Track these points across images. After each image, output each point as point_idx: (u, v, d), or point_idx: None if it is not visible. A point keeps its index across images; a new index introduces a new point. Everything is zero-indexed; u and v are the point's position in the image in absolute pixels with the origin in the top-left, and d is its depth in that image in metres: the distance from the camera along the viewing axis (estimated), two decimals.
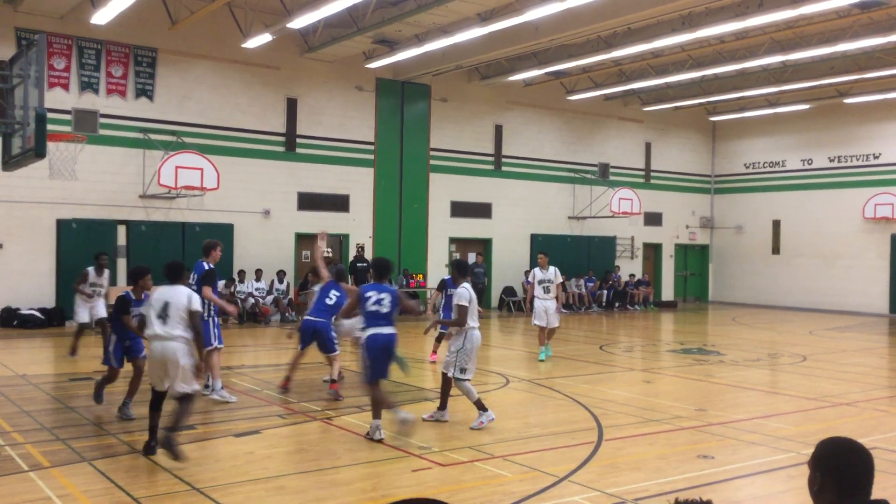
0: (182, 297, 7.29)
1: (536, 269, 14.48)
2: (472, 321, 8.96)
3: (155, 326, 7.23)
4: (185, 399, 7.23)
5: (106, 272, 13.67)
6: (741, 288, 31.45)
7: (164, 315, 7.24)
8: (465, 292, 8.92)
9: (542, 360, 14.03)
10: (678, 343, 18.21)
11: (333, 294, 10.76)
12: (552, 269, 14.38)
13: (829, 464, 2.66)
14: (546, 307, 14.22)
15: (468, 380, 8.90)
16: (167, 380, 7.26)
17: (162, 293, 7.37)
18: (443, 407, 9.09)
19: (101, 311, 13.32)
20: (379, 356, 8.15)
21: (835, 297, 28.37)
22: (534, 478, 6.81)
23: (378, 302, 8.17)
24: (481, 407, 8.78)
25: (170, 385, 7.26)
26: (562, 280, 14.75)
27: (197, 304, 7.38)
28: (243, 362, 13.94)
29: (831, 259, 28.77)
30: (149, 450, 7.30)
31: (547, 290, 14.28)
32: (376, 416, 8.14)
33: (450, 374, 8.93)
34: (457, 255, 25.76)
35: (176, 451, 6.93)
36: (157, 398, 7.44)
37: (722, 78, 26.48)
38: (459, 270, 9.65)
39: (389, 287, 8.43)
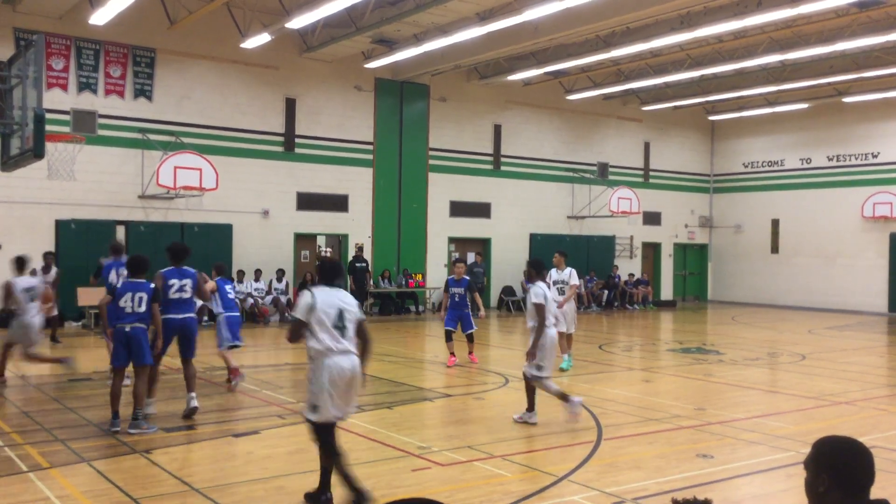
0: (353, 302, 6.12)
1: (552, 270, 13.11)
2: (549, 319, 9.03)
3: (331, 339, 5.84)
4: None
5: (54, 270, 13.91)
6: (740, 287, 31.46)
7: (341, 325, 5.91)
8: (540, 291, 9.02)
9: (563, 370, 12.81)
10: (677, 342, 18.21)
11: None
12: (569, 269, 13.25)
13: (834, 463, 2.61)
14: (564, 311, 12.81)
15: (546, 377, 8.91)
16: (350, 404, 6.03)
17: (329, 297, 5.96)
18: (531, 408, 9.05)
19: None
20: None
21: (834, 296, 28.39)
22: (533, 477, 6.81)
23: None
24: (564, 398, 8.88)
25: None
26: (578, 282, 13.66)
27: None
28: (242, 362, 13.92)
29: (830, 258, 28.78)
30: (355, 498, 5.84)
31: (562, 293, 13.00)
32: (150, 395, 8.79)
33: (528, 375, 8.97)
34: (456, 255, 25.77)
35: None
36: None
37: (721, 77, 26.50)
38: (536, 269, 9.31)
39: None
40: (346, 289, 10.73)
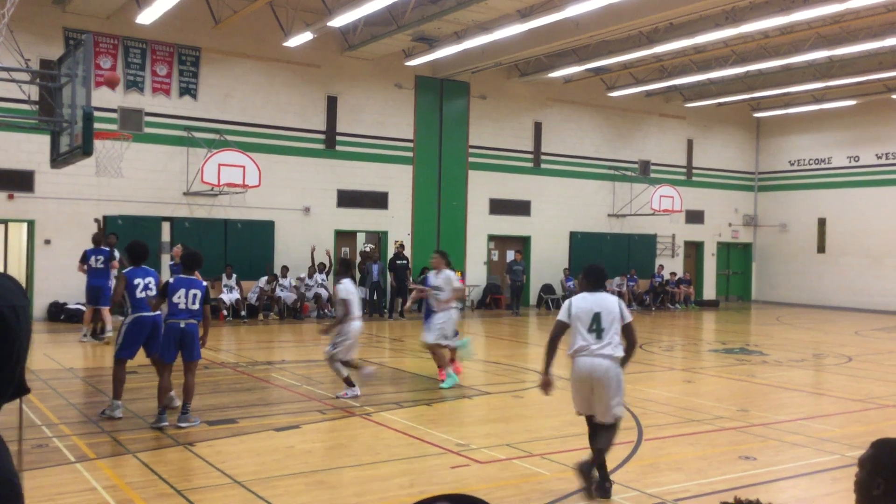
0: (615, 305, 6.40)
1: (430, 273, 11.82)
2: (354, 313, 10.29)
3: (582, 341, 6.25)
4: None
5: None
6: (785, 287, 30.93)
7: (596, 328, 6.26)
8: (348, 287, 10.33)
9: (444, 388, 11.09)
10: (720, 343, 17.97)
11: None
12: (447, 273, 11.33)
13: (894, 468, 2.49)
14: (435, 319, 11.19)
15: (339, 360, 10.24)
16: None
17: (585, 302, 6.35)
18: (350, 384, 10.20)
19: None
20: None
21: (882, 296, 27.76)
22: (572, 476, 6.77)
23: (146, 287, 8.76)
24: (350, 383, 10.14)
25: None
26: (460, 286, 11.95)
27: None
28: (284, 357, 14.09)
29: (878, 258, 28.15)
30: (604, 491, 6.22)
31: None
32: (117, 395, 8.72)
33: (325, 353, 10.42)
34: (496, 253, 25.75)
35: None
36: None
37: (766, 74, 26.05)
38: (344, 266, 10.66)
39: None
40: (355, 282, 10.93)
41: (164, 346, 8.50)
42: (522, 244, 26.20)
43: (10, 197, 18.43)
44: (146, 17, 18.26)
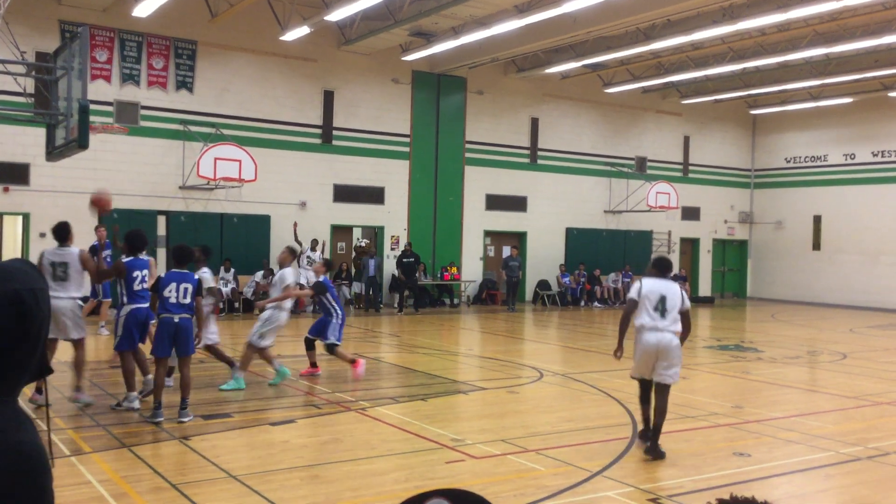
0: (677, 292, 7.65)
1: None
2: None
3: (656, 318, 7.54)
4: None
5: None
6: (780, 284, 30.99)
7: (661, 308, 7.55)
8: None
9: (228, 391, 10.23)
10: (715, 339, 18.01)
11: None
12: (280, 273, 10.83)
13: None
14: (263, 317, 10.76)
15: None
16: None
17: (656, 285, 7.66)
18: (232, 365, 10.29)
19: None
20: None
21: (877, 294, 27.84)
22: (567, 472, 6.79)
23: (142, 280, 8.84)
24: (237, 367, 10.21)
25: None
26: (291, 282, 10.77)
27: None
28: (279, 352, 14.07)
29: (873, 255, 28.22)
30: (649, 446, 7.36)
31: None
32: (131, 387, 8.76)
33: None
34: (492, 249, 25.76)
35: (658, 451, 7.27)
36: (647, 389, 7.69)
37: (763, 71, 26.05)
38: (204, 255, 10.17)
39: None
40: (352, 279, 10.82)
41: (157, 340, 8.47)
42: (519, 240, 26.20)
43: (6, 190, 18.38)
44: (142, 9, 18.20)
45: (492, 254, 25.99)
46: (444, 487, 1.18)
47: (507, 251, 25.04)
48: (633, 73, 26.50)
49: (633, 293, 7.70)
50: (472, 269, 25.14)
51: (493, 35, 20.00)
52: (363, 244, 23.12)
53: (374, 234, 23.89)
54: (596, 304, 26.17)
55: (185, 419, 8.24)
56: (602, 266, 26.86)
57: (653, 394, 7.54)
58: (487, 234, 25.75)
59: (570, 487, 6.33)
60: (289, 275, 10.71)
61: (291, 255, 10.99)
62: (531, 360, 13.70)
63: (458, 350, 15.08)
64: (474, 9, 19.03)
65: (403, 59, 22.96)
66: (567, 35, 20.16)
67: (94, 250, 14.57)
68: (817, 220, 30.00)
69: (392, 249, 23.57)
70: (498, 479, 6.61)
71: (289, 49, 21.48)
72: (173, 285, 8.34)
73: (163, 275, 8.68)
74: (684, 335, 7.66)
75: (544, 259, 26.42)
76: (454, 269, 24.56)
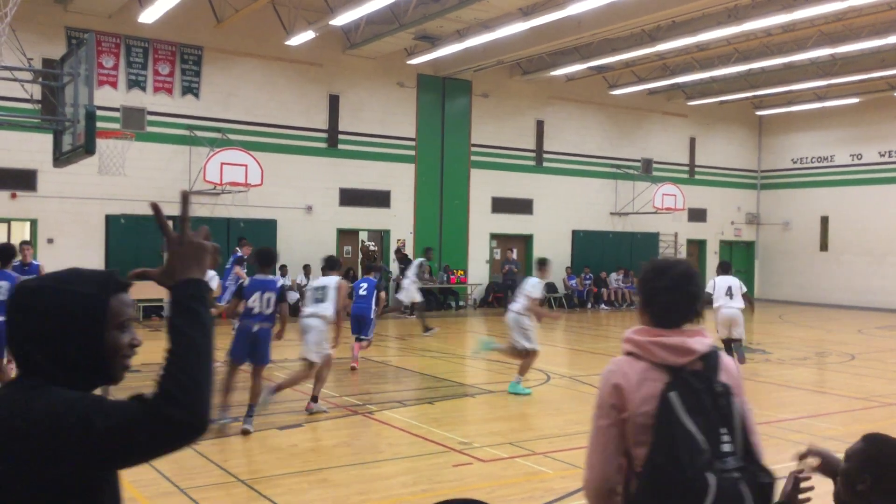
0: None
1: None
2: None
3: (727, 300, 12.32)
4: None
5: None
6: (787, 285, 30.90)
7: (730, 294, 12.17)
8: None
9: None
10: (722, 340, 17.93)
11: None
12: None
13: (883, 465, 2.40)
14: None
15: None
16: None
17: (724, 279, 12.30)
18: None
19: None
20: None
21: (884, 295, 27.71)
22: (575, 475, 6.78)
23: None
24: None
25: None
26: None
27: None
28: (286, 356, 14.08)
29: (881, 256, 28.11)
30: None
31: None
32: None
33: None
34: (498, 252, 25.74)
35: None
36: None
37: (769, 71, 26.00)
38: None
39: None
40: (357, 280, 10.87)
41: (233, 346, 8.35)
42: (525, 243, 26.18)
43: (13, 196, 18.46)
44: (148, 15, 18.27)
45: (498, 257, 25.97)
46: (462, 497, 1.18)
47: (509, 255, 24.95)
48: (639, 75, 26.48)
49: (709, 287, 12.02)
50: (478, 272, 25.13)
51: (497, 38, 20.01)
52: (372, 247, 23.17)
53: (381, 237, 23.91)
54: (602, 306, 26.14)
55: (249, 427, 8.10)
56: (608, 269, 26.85)
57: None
58: (493, 237, 25.73)
59: (578, 490, 6.32)
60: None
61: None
62: (538, 362, 13.65)
63: (464, 353, 15.07)
64: (479, 12, 19.05)
65: (408, 62, 22.98)
66: (572, 37, 20.16)
67: (241, 261, 14.86)
68: (824, 220, 29.90)
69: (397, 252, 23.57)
70: (506, 482, 6.60)
71: (294, 54, 21.52)
72: (257, 294, 8.24)
73: (246, 283, 8.63)
74: (752, 306, 13.18)
75: (552, 262, 26.31)
76: (460, 273, 24.54)
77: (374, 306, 12.45)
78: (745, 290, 12.34)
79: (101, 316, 1.75)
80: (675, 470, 2.39)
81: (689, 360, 2.54)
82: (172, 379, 1.62)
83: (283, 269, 20.98)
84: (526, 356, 10.59)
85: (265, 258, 8.67)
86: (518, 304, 10.86)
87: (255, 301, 8.23)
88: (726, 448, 2.49)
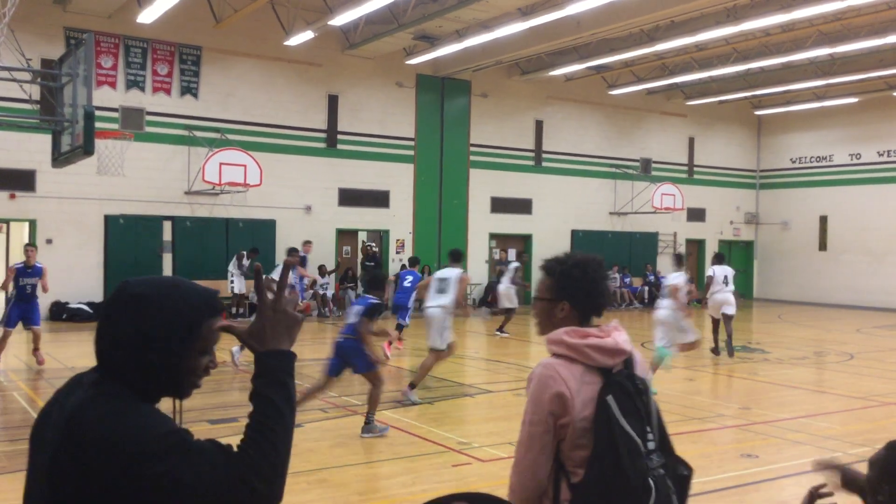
0: None
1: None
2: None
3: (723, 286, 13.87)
4: None
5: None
6: (787, 285, 30.91)
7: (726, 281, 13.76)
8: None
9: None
10: (722, 341, 17.95)
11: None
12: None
13: None
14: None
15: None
16: None
17: (720, 269, 14.18)
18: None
19: None
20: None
21: (883, 294, 27.73)
22: None
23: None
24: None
25: None
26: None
27: None
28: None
29: (880, 256, 28.14)
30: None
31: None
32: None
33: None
34: (497, 252, 25.74)
35: None
36: None
37: (768, 71, 26.01)
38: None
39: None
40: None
41: (329, 359, 8.51)
42: (524, 242, 26.19)
43: (12, 196, 18.45)
44: (147, 16, 18.26)
45: (497, 257, 25.96)
46: (465, 491, 1.19)
47: (512, 255, 25.00)
48: (638, 75, 26.49)
49: (709, 273, 14.77)
50: (477, 273, 25.13)
51: (496, 38, 20.02)
52: (372, 248, 23.18)
53: (380, 237, 23.91)
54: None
55: (366, 435, 8.04)
56: (607, 268, 26.80)
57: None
58: (493, 236, 25.74)
59: None
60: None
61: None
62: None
63: (463, 353, 15.07)
64: (478, 12, 19.05)
65: (407, 62, 22.98)
66: (571, 37, 20.17)
67: (304, 261, 15.77)
68: (823, 220, 29.92)
69: (398, 253, 23.58)
70: (505, 482, 6.58)
71: (293, 54, 21.52)
72: (352, 309, 8.71)
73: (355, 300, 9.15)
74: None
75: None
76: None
77: (413, 297, 13.73)
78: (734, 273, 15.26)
79: (195, 336, 1.75)
80: (620, 477, 2.35)
81: (620, 361, 2.53)
82: (260, 450, 1.67)
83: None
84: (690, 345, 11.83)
85: (374, 283, 8.90)
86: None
87: (349, 316, 8.64)
88: (651, 445, 2.47)
